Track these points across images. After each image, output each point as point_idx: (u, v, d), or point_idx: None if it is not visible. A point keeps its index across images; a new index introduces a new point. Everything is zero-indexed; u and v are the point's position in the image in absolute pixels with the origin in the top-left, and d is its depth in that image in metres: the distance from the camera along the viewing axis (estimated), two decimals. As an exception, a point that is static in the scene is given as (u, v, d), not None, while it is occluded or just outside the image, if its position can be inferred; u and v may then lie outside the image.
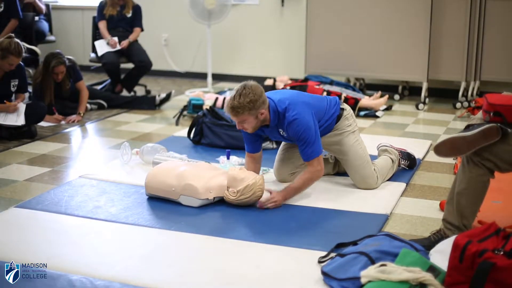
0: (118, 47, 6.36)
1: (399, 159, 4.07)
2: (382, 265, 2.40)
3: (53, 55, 5.43)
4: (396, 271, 2.33)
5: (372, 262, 2.50)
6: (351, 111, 3.85)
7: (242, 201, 3.42)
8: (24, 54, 4.94)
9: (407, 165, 4.14)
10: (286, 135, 3.56)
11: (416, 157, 4.44)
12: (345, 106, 3.83)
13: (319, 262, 2.76)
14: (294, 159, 3.83)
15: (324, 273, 2.61)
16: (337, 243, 2.86)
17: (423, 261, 2.42)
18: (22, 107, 4.97)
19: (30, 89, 5.79)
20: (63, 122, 5.45)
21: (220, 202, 3.50)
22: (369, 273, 2.38)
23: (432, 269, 2.39)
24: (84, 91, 5.67)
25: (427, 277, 2.30)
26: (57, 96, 5.57)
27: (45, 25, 7.07)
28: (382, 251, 2.56)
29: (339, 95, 5.92)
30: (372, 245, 2.65)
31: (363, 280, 2.39)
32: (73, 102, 5.66)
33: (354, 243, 2.80)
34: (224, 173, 3.53)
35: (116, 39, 6.39)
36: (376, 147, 4.17)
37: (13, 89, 5.04)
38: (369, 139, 4.95)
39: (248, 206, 3.46)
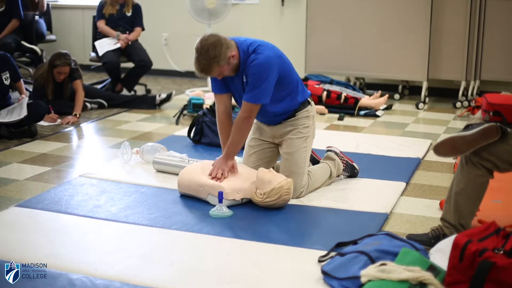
0: (114, 46, 6.34)
1: (342, 172, 3.89)
2: (382, 264, 2.40)
3: (60, 55, 5.50)
4: (396, 270, 2.33)
5: (372, 261, 2.50)
6: (315, 114, 3.73)
7: (268, 204, 3.40)
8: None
9: (347, 176, 3.96)
10: (245, 80, 3.47)
11: (416, 156, 4.45)
12: (313, 106, 3.72)
13: (319, 261, 2.76)
14: (260, 153, 3.79)
15: (324, 273, 2.61)
16: (337, 242, 2.86)
17: (423, 260, 2.42)
18: (24, 99, 4.99)
19: (30, 88, 5.81)
20: (59, 121, 5.44)
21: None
22: (369, 272, 2.38)
23: (432, 268, 2.39)
24: (79, 91, 5.63)
25: (427, 276, 2.30)
26: (57, 95, 5.57)
27: (42, 24, 7.07)
28: (382, 250, 2.56)
29: (339, 95, 5.93)
30: (372, 244, 2.65)
31: (363, 279, 2.39)
32: (72, 101, 5.65)
33: (354, 242, 2.80)
34: (255, 175, 3.48)
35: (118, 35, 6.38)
36: (326, 148, 4.00)
37: (6, 82, 5.03)
38: (369, 138, 4.97)
39: (255, 206, 3.45)
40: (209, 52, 3.33)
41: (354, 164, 3.96)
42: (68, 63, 5.46)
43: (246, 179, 3.50)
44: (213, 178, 3.49)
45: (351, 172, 3.94)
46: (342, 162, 3.88)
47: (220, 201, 3.35)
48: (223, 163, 3.52)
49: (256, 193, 3.42)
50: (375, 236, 2.79)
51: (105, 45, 6.39)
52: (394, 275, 2.31)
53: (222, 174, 3.48)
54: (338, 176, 3.90)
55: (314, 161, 3.93)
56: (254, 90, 3.43)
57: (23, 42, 6.54)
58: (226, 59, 3.38)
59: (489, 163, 2.79)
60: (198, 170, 3.61)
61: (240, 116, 3.50)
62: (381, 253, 2.54)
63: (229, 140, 3.55)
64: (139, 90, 6.80)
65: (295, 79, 3.63)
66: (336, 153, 3.90)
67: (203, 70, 3.40)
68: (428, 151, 4.65)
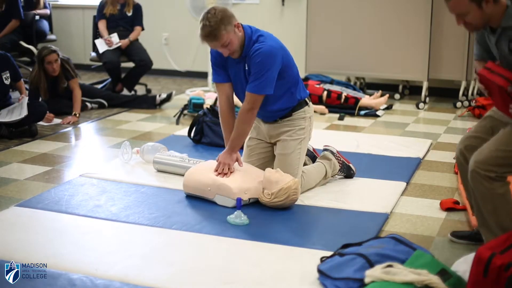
0: (114, 46, 6.35)
1: (338, 172, 3.88)
2: (388, 266, 2.38)
3: (43, 47, 5.53)
4: (402, 273, 2.30)
5: (370, 264, 2.48)
6: (312, 115, 3.71)
7: (276, 204, 3.39)
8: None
9: (343, 176, 3.94)
10: (247, 69, 3.45)
11: (417, 156, 4.45)
12: (310, 107, 3.70)
13: (321, 261, 2.75)
14: (259, 153, 3.79)
15: (319, 271, 2.59)
16: (343, 244, 2.78)
17: (435, 263, 2.39)
18: (24, 99, 5.00)
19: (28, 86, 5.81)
20: (57, 120, 5.43)
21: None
22: (374, 273, 2.36)
23: (443, 272, 2.35)
24: (76, 90, 5.61)
25: (433, 280, 2.26)
26: (53, 93, 5.56)
27: (45, 24, 7.09)
28: (383, 254, 2.53)
29: (340, 94, 5.93)
30: (375, 247, 2.62)
31: (366, 280, 2.37)
32: (70, 100, 5.64)
33: (359, 244, 2.76)
34: (262, 175, 3.49)
35: (115, 35, 6.39)
36: (322, 147, 3.98)
37: (6, 82, 5.03)
38: (370, 138, 4.97)
39: (259, 207, 3.45)
40: (216, 15, 3.31)
41: (350, 164, 3.95)
42: (52, 50, 5.44)
43: (253, 179, 3.50)
44: (219, 174, 3.49)
45: (347, 173, 3.94)
46: (338, 162, 3.88)
47: (239, 207, 3.28)
48: (227, 157, 3.51)
49: (264, 194, 3.41)
50: (381, 238, 2.76)
51: (104, 44, 6.40)
52: (399, 277, 2.28)
53: (228, 169, 3.48)
54: (333, 176, 3.90)
55: (314, 159, 3.93)
56: (257, 80, 3.41)
57: (21, 42, 6.55)
58: (233, 26, 3.35)
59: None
60: (203, 170, 3.61)
61: (243, 108, 3.48)
62: (381, 257, 2.51)
63: (233, 133, 3.53)
64: (140, 90, 6.80)
65: (295, 73, 3.62)
66: (332, 153, 3.89)
67: (211, 33, 3.32)
68: (428, 150, 4.65)
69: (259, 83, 3.41)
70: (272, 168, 3.63)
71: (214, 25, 3.30)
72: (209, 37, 3.34)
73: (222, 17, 3.31)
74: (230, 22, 3.35)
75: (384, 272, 2.33)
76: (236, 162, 3.54)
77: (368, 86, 6.97)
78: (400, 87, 6.75)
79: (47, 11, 7.16)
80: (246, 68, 3.47)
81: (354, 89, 6.32)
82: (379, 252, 2.55)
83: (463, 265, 2.45)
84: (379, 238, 2.79)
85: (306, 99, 3.69)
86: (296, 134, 3.63)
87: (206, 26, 3.32)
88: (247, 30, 3.46)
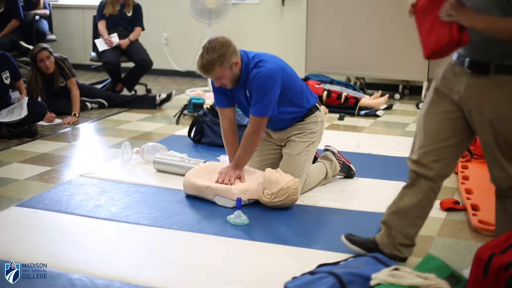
0: (114, 45, 6.36)
1: (338, 172, 3.88)
2: (395, 269, 2.36)
3: (34, 47, 5.57)
4: (408, 276, 2.29)
5: (342, 284, 2.36)
6: (324, 119, 3.74)
7: (276, 204, 3.39)
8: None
9: (343, 177, 3.95)
10: (249, 94, 3.48)
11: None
12: (321, 111, 3.73)
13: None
14: (265, 154, 3.80)
15: None
16: (319, 264, 2.67)
17: (445, 268, 2.37)
18: (24, 99, 5.00)
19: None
20: (58, 120, 5.43)
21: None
22: (380, 276, 2.34)
23: (453, 277, 2.33)
24: (74, 90, 5.61)
25: (440, 284, 2.25)
26: (50, 93, 5.56)
27: (45, 24, 7.10)
28: (358, 274, 2.41)
29: (340, 94, 5.93)
30: (351, 267, 2.52)
31: (372, 282, 2.34)
32: (69, 100, 5.64)
33: (336, 263, 2.66)
34: (262, 175, 3.50)
35: (115, 35, 6.39)
36: (324, 147, 3.99)
37: (6, 82, 5.04)
38: (370, 138, 4.97)
39: (260, 207, 3.45)
40: (215, 50, 3.32)
41: (351, 165, 3.95)
42: (43, 47, 5.46)
43: (253, 179, 3.50)
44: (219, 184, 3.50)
45: (348, 173, 3.94)
46: (339, 163, 3.88)
47: (239, 207, 3.28)
48: (230, 170, 3.53)
49: (264, 194, 3.42)
50: (361, 257, 2.66)
51: (104, 43, 6.41)
52: (405, 280, 2.27)
53: (229, 180, 3.49)
54: (333, 176, 3.90)
55: (315, 159, 3.93)
56: (259, 103, 3.44)
57: (21, 42, 6.55)
58: (230, 63, 3.37)
59: None
60: (204, 172, 3.61)
61: (248, 131, 3.51)
62: (354, 277, 2.39)
63: (238, 152, 3.55)
64: (140, 90, 6.80)
65: (299, 88, 3.63)
66: (333, 153, 3.89)
67: (204, 67, 3.36)
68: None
69: (261, 106, 3.44)
70: (278, 168, 3.64)
71: (210, 60, 3.32)
72: (202, 69, 3.37)
73: (220, 54, 3.32)
74: (228, 60, 3.35)
75: (390, 275, 2.31)
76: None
77: (368, 86, 6.97)
78: (400, 87, 6.75)
79: (47, 11, 7.17)
80: (248, 94, 3.50)
81: (354, 89, 6.32)
82: (353, 272, 2.44)
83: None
84: (359, 257, 2.69)
85: (316, 104, 3.70)
86: (307, 137, 3.65)
87: (203, 57, 3.34)
88: (243, 57, 3.46)
